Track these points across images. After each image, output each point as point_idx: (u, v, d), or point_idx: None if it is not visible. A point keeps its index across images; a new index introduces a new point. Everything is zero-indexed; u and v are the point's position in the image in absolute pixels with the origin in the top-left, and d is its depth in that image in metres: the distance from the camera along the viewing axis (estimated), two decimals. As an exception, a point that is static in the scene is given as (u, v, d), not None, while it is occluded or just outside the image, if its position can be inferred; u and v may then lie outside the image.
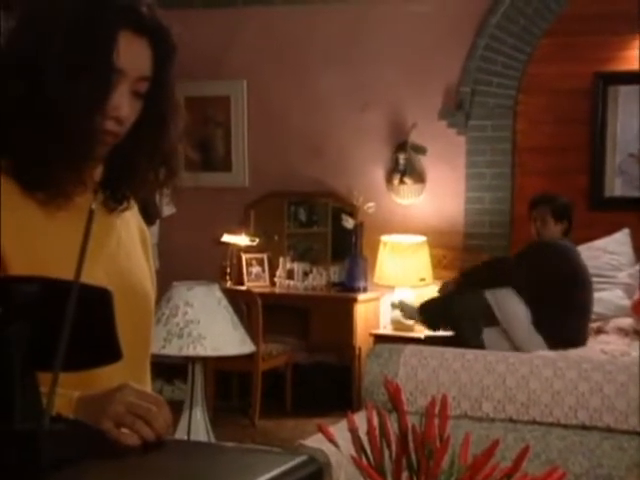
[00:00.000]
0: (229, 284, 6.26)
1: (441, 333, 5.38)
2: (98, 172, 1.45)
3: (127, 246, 1.52)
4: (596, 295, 5.15)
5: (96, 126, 1.36)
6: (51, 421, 1.07)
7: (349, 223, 6.20)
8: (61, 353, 1.06)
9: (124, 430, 1.23)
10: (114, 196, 1.47)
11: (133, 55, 1.37)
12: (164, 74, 1.42)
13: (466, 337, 5.05)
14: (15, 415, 1.07)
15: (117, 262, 1.48)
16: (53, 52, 1.33)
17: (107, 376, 1.37)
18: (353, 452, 1.35)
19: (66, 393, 1.25)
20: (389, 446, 1.34)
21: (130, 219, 1.55)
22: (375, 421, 1.35)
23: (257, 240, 6.42)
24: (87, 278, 1.14)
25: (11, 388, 1.07)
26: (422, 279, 5.91)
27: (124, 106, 1.38)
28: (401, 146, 6.16)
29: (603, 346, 4.92)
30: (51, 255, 1.38)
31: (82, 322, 1.09)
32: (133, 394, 1.27)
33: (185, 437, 3.32)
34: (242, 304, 5.44)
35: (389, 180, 6.23)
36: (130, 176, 1.45)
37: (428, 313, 5.39)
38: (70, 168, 1.37)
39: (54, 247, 1.39)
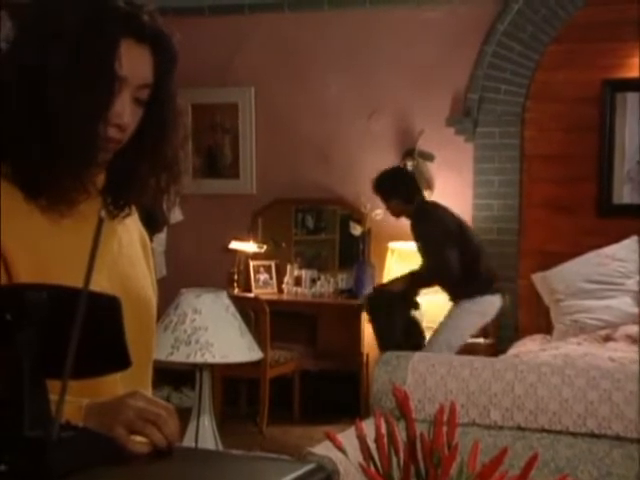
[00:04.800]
0: (237, 291, 6.26)
1: None
2: (101, 179, 1.46)
3: (129, 252, 1.53)
4: (605, 303, 5.13)
5: (99, 133, 1.36)
6: (60, 429, 1.07)
7: (357, 230, 6.20)
8: (70, 361, 1.06)
9: (135, 437, 1.23)
10: (116, 202, 1.47)
11: (135, 63, 1.38)
12: (165, 81, 1.43)
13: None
14: (25, 422, 1.07)
15: (119, 268, 1.48)
16: (55, 60, 1.33)
17: (111, 383, 1.38)
18: (361, 460, 1.35)
19: (75, 400, 1.25)
20: (397, 454, 1.34)
21: (131, 225, 1.55)
22: (383, 428, 1.35)
23: (265, 247, 6.43)
24: (90, 284, 1.14)
25: (21, 395, 1.07)
26: (430, 286, 5.89)
27: (126, 113, 1.38)
28: (409, 153, 6.15)
29: (611, 353, 4.90)
30: (55, 261, 1.38)
31: (91, 330, 1.09)
32: (143, 400, 1.27)
33: (193, 444, 3.31)
34: (250, 311, 5.44)
35: (397, 187, 6.22)
36: (131, 183, 1.46)
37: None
38: (73, 175, 1.38)
39: (59, 253, 1.39)
